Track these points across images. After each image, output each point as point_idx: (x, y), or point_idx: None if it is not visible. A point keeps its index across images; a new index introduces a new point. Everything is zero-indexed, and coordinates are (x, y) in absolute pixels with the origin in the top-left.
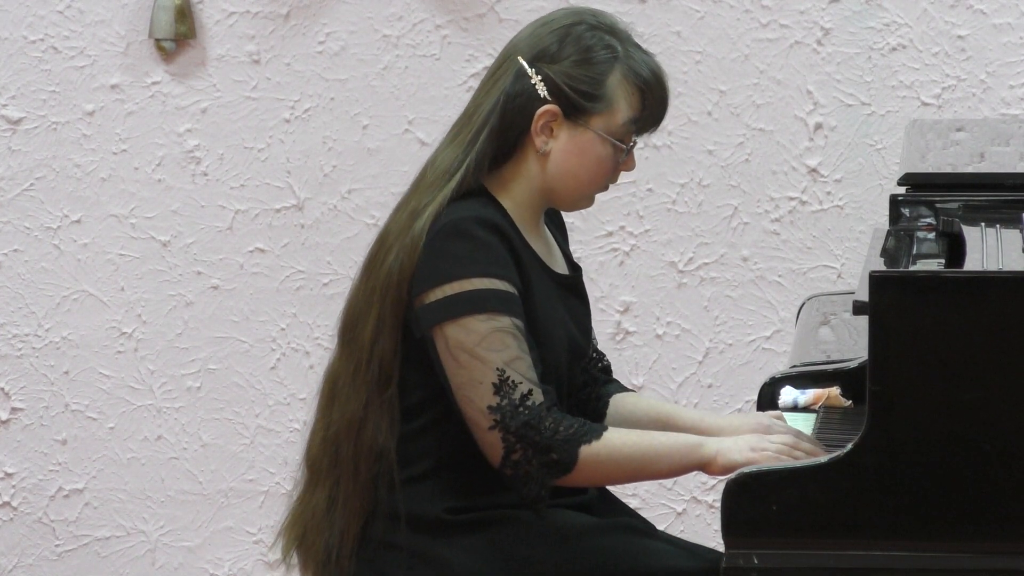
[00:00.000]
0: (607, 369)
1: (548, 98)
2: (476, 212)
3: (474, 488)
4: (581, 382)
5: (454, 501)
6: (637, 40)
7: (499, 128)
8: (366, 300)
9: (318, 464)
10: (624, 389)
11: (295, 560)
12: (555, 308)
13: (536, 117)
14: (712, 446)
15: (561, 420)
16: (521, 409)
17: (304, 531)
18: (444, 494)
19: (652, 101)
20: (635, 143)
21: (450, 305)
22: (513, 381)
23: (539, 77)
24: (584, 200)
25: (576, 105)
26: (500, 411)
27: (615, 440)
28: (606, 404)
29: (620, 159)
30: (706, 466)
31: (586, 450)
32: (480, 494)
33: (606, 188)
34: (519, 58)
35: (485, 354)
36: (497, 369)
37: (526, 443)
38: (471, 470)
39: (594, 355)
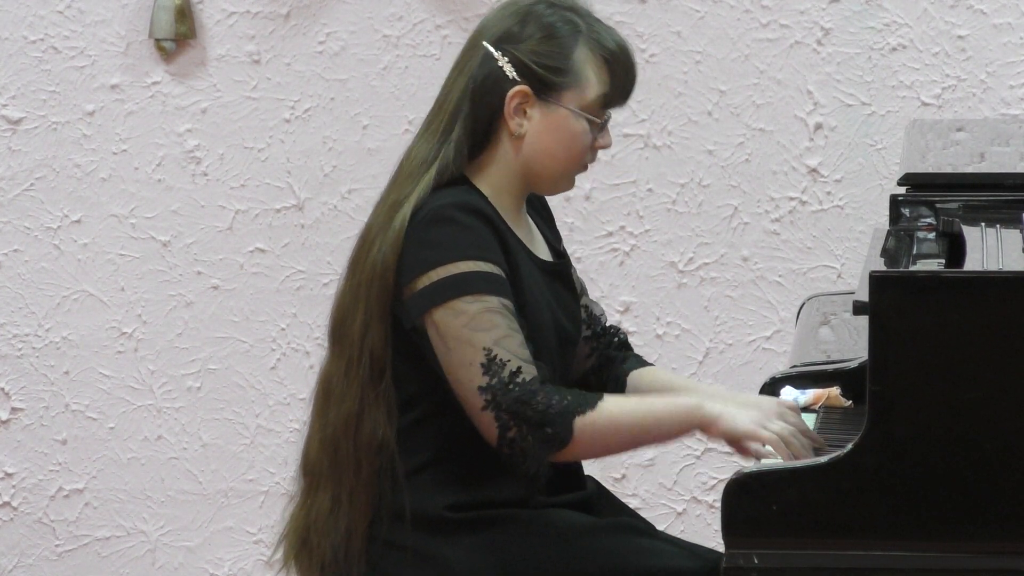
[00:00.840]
0: (624, 343)
1: (517, 79)
2: (457, 198)
3: (475, 480)
4: (596, 364)
5: (455, 495)
6: (599, 17)
7: (472, 114)
8: (353, 296)
9: (317, 468)
10: (642, 363)
11: (294, 567)
12: (541, 293)
13: (508, 99)
14: (716, 407)
15: (553, 393)
16: (511, 386)
17: (307, 535)
18: (445, 488)
19: (620, 72)
20: (609, 117)
21: (436, 291)
22: (501, 360)
23: (506, 59)
24: (564, 181)
25: (546, 82)
26: (491, 390)
27: (611, 408)
28: (624, 384)
29: (595, 135)
30: (707, 427)
31: (581, 421)
32: (481, 487)
33: (584, 168)
34: (484, 42)
35: (473, 335)
36: (484, 349)
37: (520, 419)
38: (471, 461)
39: (610, 331)
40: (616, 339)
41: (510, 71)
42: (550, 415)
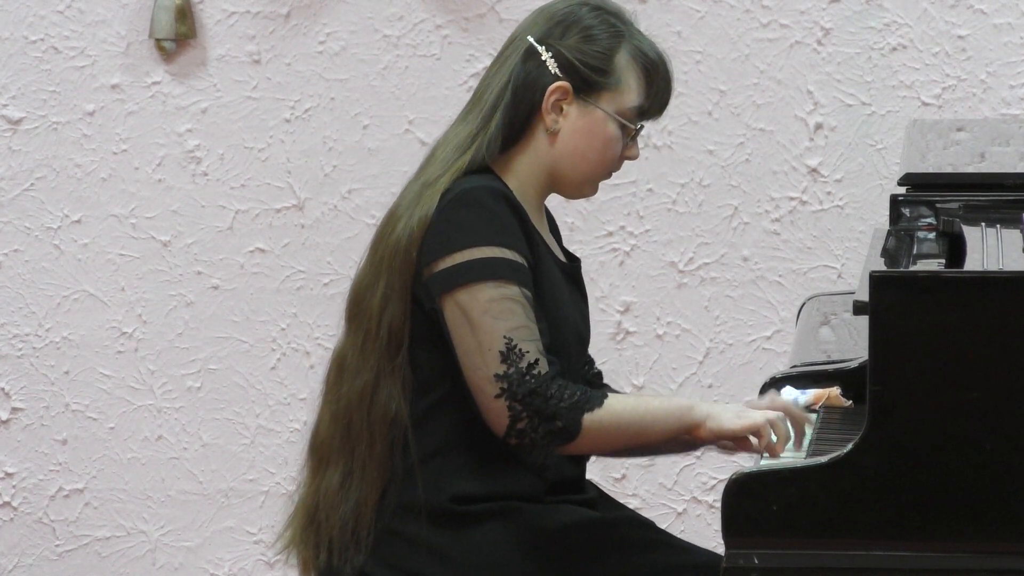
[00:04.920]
0: (599, 375)
1: (559, 74)
2: (485, 183)
3: (481, 473)
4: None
5: (460, 486)
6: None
7: (512, 106)
8: (373, 272)
9: (327, 445)
10: (615, 391)
11: (298, 551)
12: (560, 290)
13: (548, 94)
14: (703, 409)
15: (565, 388)
16: (528, 378)
17: (315, 512)
18: (451, 479)
19: (658, 83)
20: (642, 127)
21: (459, 272)
22: (521, 350)
23: (549, 54)
24: (588, 185)
25: (587, 80)
26: (507, 379)
27: (616, 406)
28: None
29: (626, 142)
30: (696, 428)
31: (589, 418)
32: (487, 479)
33: (609, 175)
34: (528, 37)
35: (492, 322)
36: (504, 337)
37: (532, 411)
38: (478, 453)
39: (590, 359)
40: (592, 371)
41: (553, 66)
42: (561, 409)
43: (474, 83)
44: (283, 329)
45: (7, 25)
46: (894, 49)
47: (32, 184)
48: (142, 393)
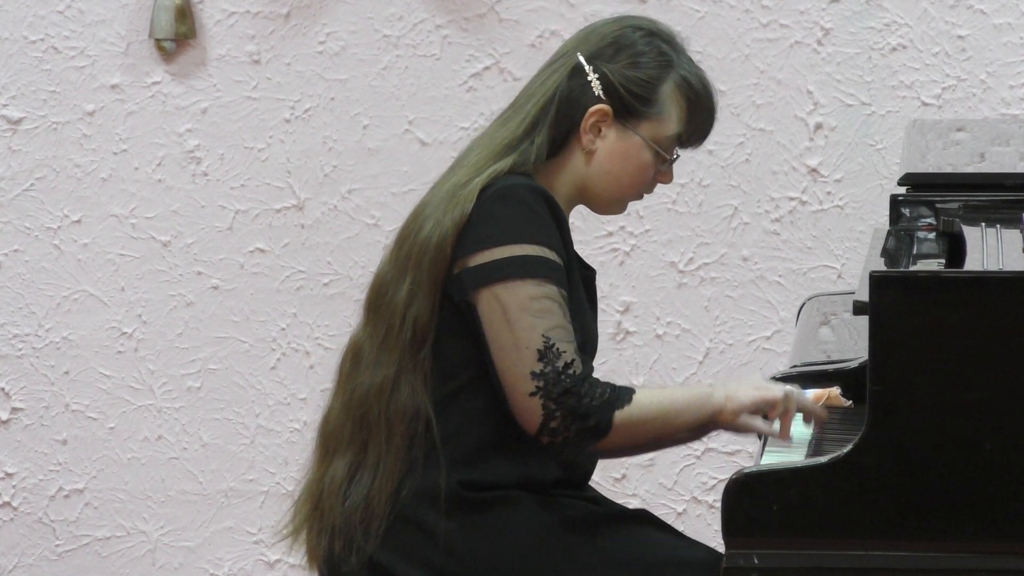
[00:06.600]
0: None
1: (602, 97)
2: (527, 182)
3: (491, 461)
4: None
5: (469, 473)
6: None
7: (555, 121)
8: (398, 268)
9: (337, 434)
10: None
11: (303, 538)
12: (582, 297)
13: (587, 115)
14: (720, 393)
15: (596, 386)
16: (563, 377)
17: (319, 499)
18: (460, 464)
19: (701, 115)
20: (678, 156)
21: (499, 268)
22: (558, 349)
23: (596, 75)
24: (617, 205)
25: (628, 107)
26: (543, 377)
27: (643, 401)
28: None
29: (661, 169)
30: (719, 414)
31: (620, 415)
32: (497, 468)
33: (640, 197)
34: (578, 54)
35: (531, 320)
36: (543, 336)
37: (565, 410)
38: (489, 439)
39: None
40: None
41: (597, 88)
42: (593, 408)
43: (474, 83)
44: (283, 329)
45: (7, 25)
46: (894, 49)
47: (32, 184)
48: (142, 393)
